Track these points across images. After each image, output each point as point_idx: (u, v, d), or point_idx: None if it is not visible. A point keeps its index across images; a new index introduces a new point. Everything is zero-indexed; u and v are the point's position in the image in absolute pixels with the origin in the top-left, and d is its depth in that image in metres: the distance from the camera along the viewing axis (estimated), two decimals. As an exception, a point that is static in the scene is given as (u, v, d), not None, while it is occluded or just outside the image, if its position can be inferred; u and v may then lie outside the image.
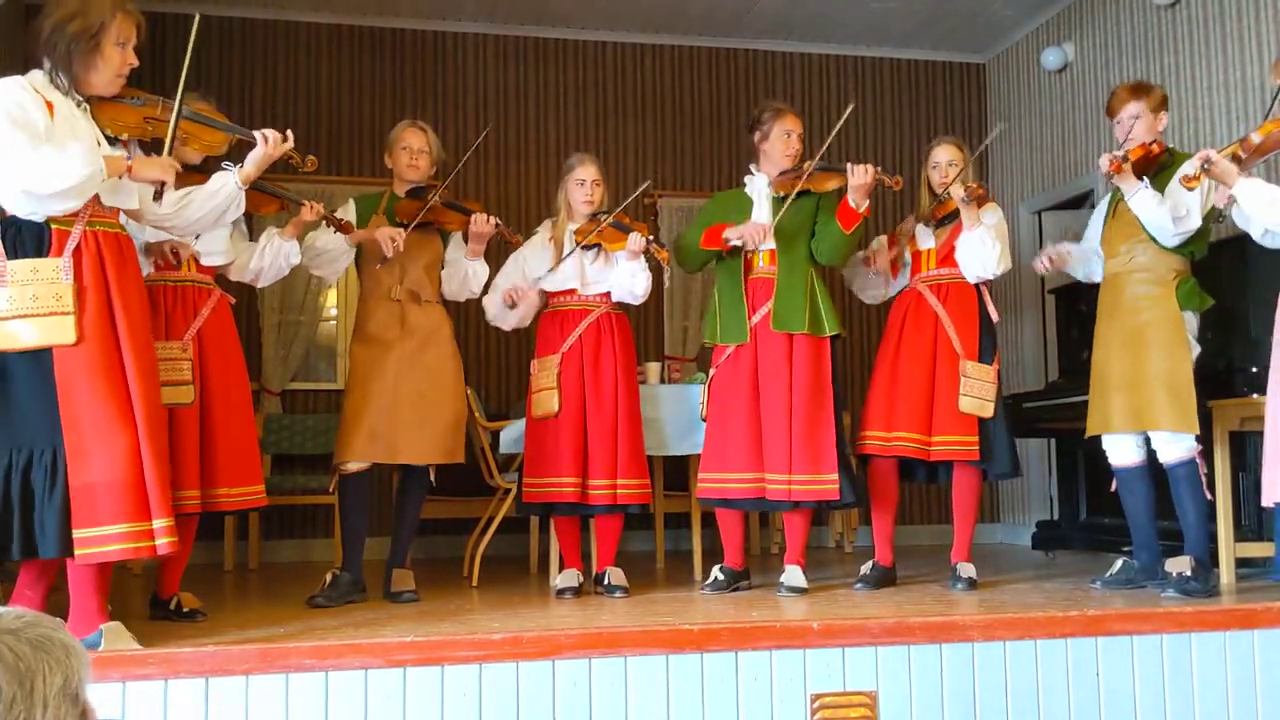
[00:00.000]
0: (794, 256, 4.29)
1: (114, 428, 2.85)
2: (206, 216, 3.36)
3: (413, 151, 4.26)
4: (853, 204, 4.16)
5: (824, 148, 4.27)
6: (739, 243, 4.28)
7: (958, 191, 4.24)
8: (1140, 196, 3.97)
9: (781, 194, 4.32)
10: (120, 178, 3.00)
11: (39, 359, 2.86)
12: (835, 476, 4.11)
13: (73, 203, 2.89)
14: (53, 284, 2.87)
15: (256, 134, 3.34)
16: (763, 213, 4.35)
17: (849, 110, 4.30)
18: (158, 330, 3.60)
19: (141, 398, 2.92)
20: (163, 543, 2.89)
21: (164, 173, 3.08)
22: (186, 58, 3.16)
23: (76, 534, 2.81)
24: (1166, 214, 3.92)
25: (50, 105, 2.94)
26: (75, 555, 2.83)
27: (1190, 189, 3.70)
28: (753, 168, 4.47)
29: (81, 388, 2.85)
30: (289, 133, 3.39)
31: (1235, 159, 3.60)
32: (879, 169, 4.15)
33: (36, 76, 2.99)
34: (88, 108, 3.08)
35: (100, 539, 2.82)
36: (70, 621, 2.91)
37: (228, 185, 3.33)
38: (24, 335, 2.85)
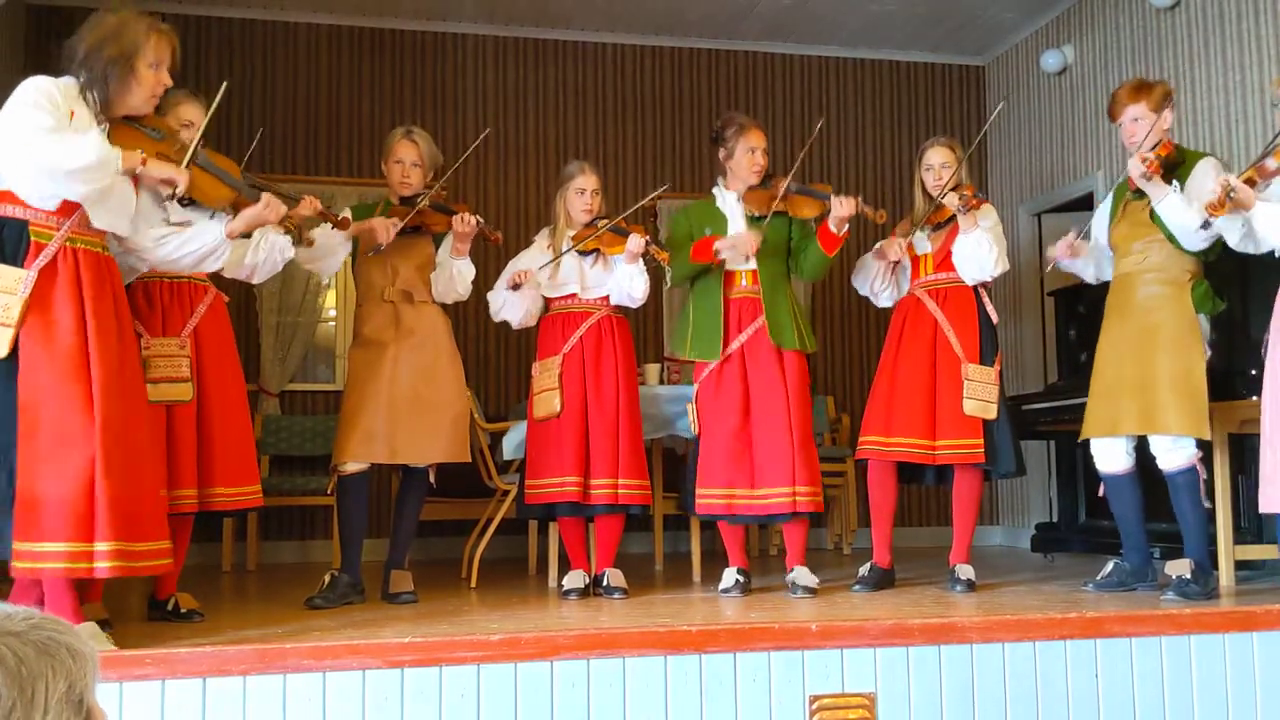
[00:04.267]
0: (775, 274, 4.32)
1: (67, 446, 2.80)
2: (184, 258, 3.32)
3: (405, 166, 4.25)
4: (834, 230, 4.21)
5: (794, 167, 4.26)
6: (729, 254, 4.27)
7: (953, 200, 4.24)
8: (1170, 201, 3.84)
9: (757, 213, 4.31)
10: (136, 171, 2.97)
11: (8, 365, 2.81)
12: (820, 488, 4.22)
13: (88, 185, 2.86)
14: (8, 294, 2.82)
15: (263, 195, 3.37)
16: (739, 229, 4.34)
17: (816, 131, 4.32)
18: (155, 327, 3.59)
19: (105, 417, 2.85)
20: (103, 565, 2.81)
21: (177, 174, 3.05)
22: (208, 114, 3.26)
23: (16, 546, 2.76)
24: (1196, 218, 3.76)
25: (73, 114, 2.93)
26: (12, 567, 2.78)
27: (1216, 217, 3.60)
28: (720, 180, 4.47)
29: (43, 400, 2.80)
30: (309, 200, 3.54)
31: (1250, 183, 3.56)
32: (861, 199, 4.18)
33: (69, 83, 2.99)
34: (108, 129, 3.07)
35: (38, 555, 2.77)
36: None
37: (210, 232, 3.31)
38: None
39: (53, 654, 0.98)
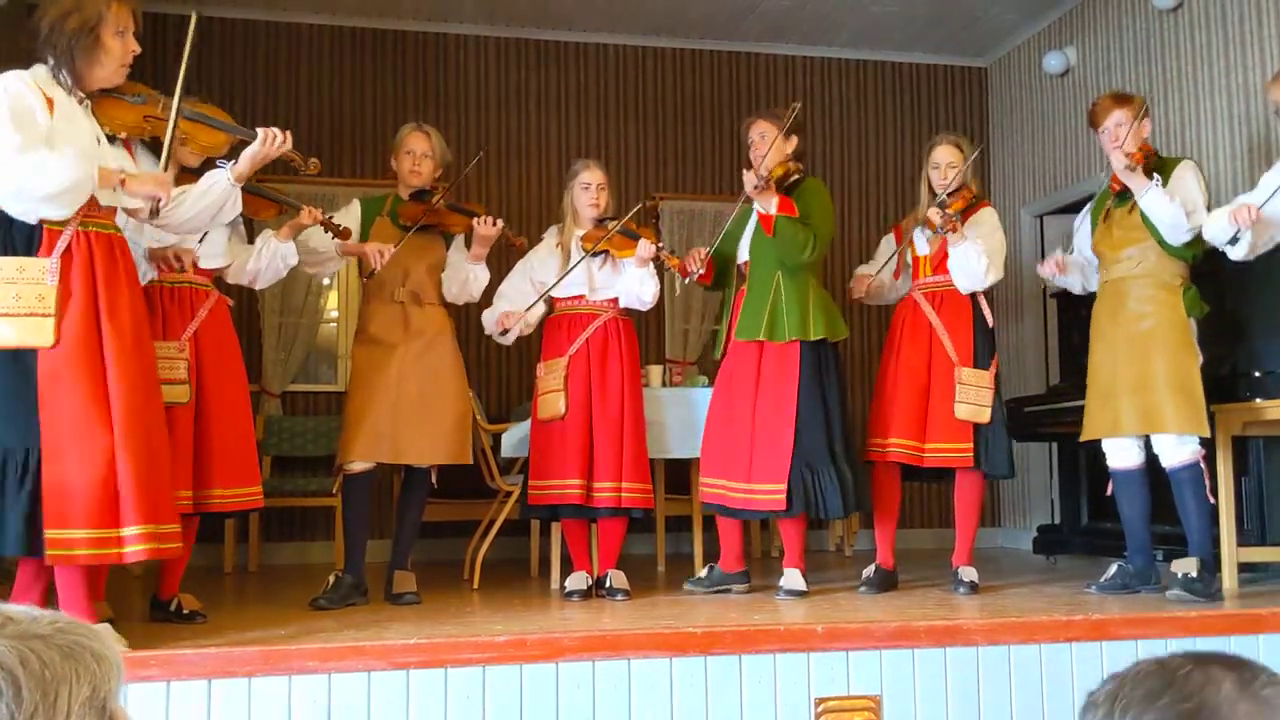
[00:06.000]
0: (762, 267, 4.30)
1: (89, 431, 2.81)
2: (201, 215, 3.30)
3: (415, 157, 4.25)
4: (759, 209, 4.22)
5: (763, 162, 4.26)
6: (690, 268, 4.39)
7: (935, 216, 4.25)
8: (1153, 194, 3.98)
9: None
10: (114, 190, 2.95)
11: (18, 358, 2.83)
12: (782, 487, 4.04)
13: (62, 210, 2.86)
14: (36, 285, 2.83)
15: (257, 131, 3.31)
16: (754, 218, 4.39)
17: (776, 139, 4.35)
18: (155, 331, 3.58)
19: (124, 402, 2.87)
20: (132, 550, 2.84)
21: (158, 187, 3.02)
22: (184, 57, 3.12)
23: (48, 534, 2.78)
24: (1180, 210, 3.95)
25: (51, 101, 2.93)
26: (45, 556, 2.79)
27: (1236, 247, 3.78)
28: None
29: (62, 389, 2.82)
30: (288, 134, 3.31)
31: None
32: (751, 172, 4.16)
33: (40, 72, 2.97)
34: (89, 105, 3.06)
35: (68, 542, 2.79)
36: None
37: (220, 182, 3.27)
38: (2, 334, 2.82)
39: (77, 659, 0.97)
